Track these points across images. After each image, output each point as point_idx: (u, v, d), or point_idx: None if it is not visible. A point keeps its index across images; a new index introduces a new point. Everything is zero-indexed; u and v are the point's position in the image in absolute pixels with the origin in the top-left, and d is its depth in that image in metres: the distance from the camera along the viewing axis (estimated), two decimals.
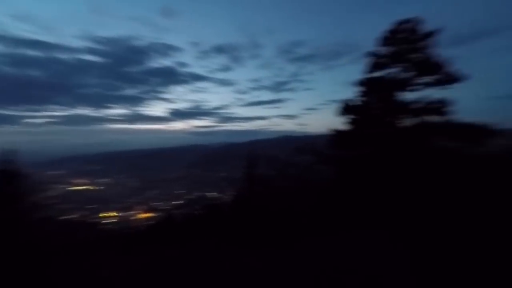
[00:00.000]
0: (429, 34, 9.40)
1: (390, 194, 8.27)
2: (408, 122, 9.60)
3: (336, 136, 10.76)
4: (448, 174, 8.77)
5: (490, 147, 9.98)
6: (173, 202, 75.36)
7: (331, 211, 9.49)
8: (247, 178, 12.98)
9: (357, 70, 11.37)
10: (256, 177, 13.11)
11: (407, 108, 9.61)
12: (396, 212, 7.71)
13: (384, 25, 11.11)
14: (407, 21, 9.72)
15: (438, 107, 9.19)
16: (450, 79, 9.17)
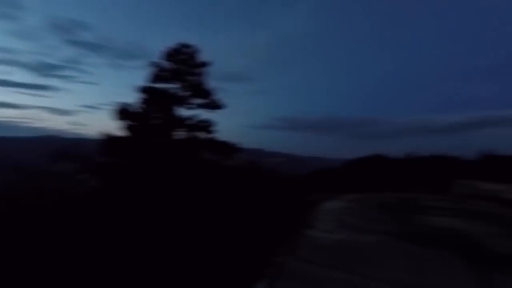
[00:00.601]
0: (204, 64, 11.23)
1: (159, 204, 8.56)
2: (182, 135, 10.67)
3: (110, 142, 9.74)
4: (209, 180, 10.69)
5: (236, 160, 13.51)
6: None
7: (94, 230, 8.22)
8: None
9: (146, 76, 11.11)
10: None
11: (182, 123, 10.69)
12: (164, 224, 8.05)
13: (175, 39, 11.73)
14: (188, 46, 11.02)
15: (206, 126, 11.02)
16: (216, 105, 11.38)
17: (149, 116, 10.17)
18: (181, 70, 10.66)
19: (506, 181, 11.28)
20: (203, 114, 11.07)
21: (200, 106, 11.11)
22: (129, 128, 9.75)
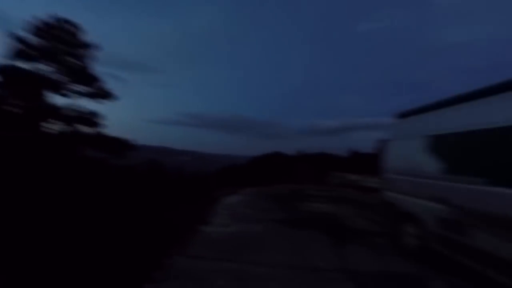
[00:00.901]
0: (88, 45, 9.51)
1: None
2: (56, 128, 8.73)
3: None
4: (92, 184, 9.09)
5: (130, 159, 12.08)
6: None
7: None
8: None
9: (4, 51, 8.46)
10: None
11: (56, 113, 8.74)
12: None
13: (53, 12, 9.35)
14: (67, 21, 9.09)
15: (90, 118, 9.39)
16: (103, 94, 9.85)
17: (4, 102, 7.82)
18: (56, 49, 8.68)
19: (366, 173, 14.56)
20: (89, 104, 9.41)
21: (82, 94, 9.38)
22: None
